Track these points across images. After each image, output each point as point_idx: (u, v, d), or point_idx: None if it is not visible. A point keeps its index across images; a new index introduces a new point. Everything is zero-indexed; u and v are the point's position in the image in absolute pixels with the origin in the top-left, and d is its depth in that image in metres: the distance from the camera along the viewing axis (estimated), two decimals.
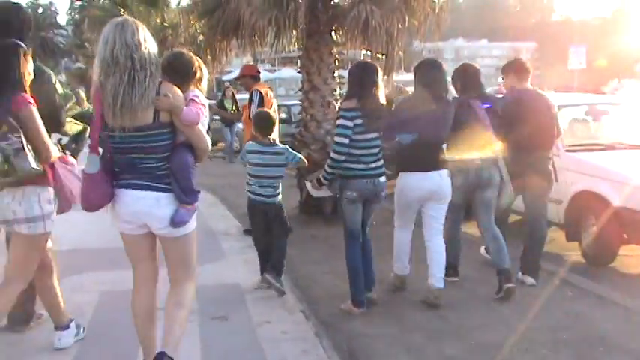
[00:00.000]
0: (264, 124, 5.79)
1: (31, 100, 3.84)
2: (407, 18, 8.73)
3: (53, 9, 63.31)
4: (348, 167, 5.14)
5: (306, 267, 6.62)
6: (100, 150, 3.60)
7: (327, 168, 5.20)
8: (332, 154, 5.14)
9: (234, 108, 16.90)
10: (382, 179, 5.30)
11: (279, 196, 5.83)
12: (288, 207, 8.33)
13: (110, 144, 3.54)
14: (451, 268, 5.93)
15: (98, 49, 3.49)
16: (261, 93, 7.87)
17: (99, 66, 3.46)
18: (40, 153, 3.83)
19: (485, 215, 5.84)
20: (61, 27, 56.96)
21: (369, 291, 5.47)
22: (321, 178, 5.28)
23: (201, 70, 3.88)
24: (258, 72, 8.66)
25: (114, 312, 5.09)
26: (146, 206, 3.55)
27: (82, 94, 9.22)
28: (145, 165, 3.52)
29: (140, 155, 3.51)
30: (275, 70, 42.70)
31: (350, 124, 5.04)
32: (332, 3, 9.50)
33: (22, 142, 3.69)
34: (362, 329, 5.04)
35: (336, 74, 9.58)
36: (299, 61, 9.93)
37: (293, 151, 5.83)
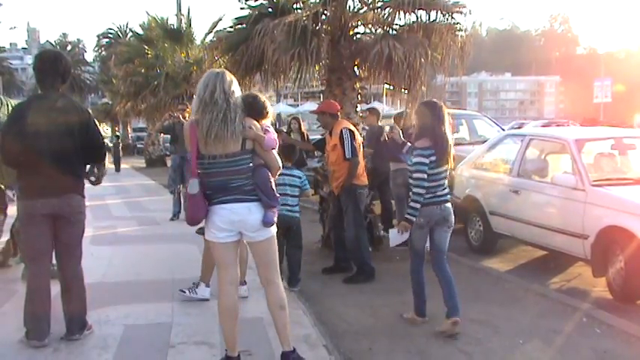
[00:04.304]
0: (289, 152, 7.07)
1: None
2: (430, 53, 8.76)
3: (81, 46, 64.24)
4: None
5: (330, 301, 6.58)
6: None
7: (412, 204, 5.58)
8: (415, 190, 5.57)
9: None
10: (448, 205, 5.74)
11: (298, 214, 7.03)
12: (311, 241, 8.32)
13: (200, 169, 4.33)
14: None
15: (197, 91, 4.33)
16: (351, 131, 7.50)
17: (197, 104, 4.29)
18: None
19: None
20: (88, 64, 57.89)
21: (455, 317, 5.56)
22: (408, 217, 5.59)
23: (268, 107, 4.77)
24: (338, 110, 7.95)
25: (138, 345, 5.11)
26: (240, 215, 4.33)
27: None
28: (234, 184, 4.31)
29: (230, 177, 4.31)
30: (298, 105, 43.03)
31: (426, 160, 5.52)
32: (354, 38, 9.58)
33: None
34: None
35: (358, 108, 9.62)
36: (322, 95, 9.98)
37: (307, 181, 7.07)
